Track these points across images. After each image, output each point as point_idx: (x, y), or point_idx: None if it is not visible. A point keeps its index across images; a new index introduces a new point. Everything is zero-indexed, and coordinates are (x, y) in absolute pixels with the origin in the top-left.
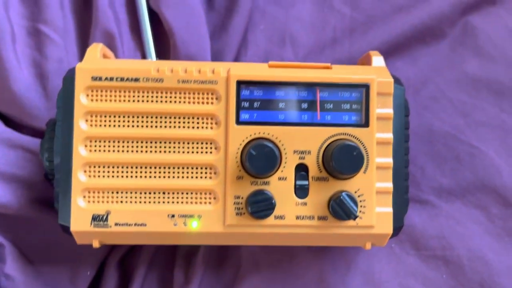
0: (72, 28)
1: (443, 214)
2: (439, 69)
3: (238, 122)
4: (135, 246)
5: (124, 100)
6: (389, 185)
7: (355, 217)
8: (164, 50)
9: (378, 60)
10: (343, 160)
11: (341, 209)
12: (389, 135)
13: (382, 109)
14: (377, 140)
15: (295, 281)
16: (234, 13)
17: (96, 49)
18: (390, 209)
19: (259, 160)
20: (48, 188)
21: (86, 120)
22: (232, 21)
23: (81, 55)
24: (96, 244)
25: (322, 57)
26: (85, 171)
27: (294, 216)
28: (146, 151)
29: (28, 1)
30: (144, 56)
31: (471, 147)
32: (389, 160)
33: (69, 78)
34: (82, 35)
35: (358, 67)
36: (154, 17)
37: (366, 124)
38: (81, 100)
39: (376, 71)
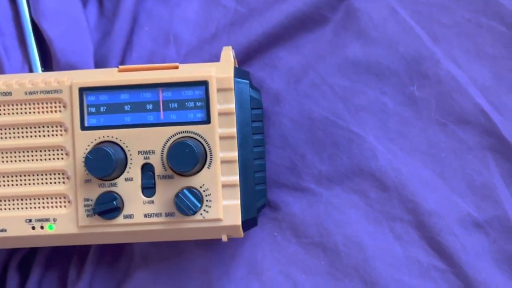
0: None
1: (322, 201)
2: (322, 55)
3: (84, 127)
4: (34, 247)
5: None
6: (235, 178)
7: (194, 212)
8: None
9: (226, 55)
10: (177, 158)
11: (182, 204)
12: (233, 130)
13: (224, 104)
14: (220, 135)
15: (181, 274)
16: (116, 18)
17: None
18: (237, 202)
19: (96, 163)
20: None
21: None
22: (114, 25)
23: None
24: None
25: (202, 54)
26: None
27: (142, 214)
28: (2, 161)
29: None
30: (30, 67)
31: (350, 133)
32: (234, 154)
33: None
34: None
35: (204, 64)
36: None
37: (208, 120)
38: None
39: (219, 67)
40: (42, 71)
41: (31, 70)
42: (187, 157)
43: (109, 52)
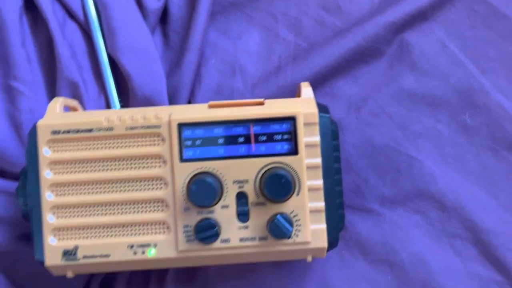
0: (40, 80)
1: (386, 220)
2: (378, 86)
3: (182, 159)
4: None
5: (81, 149)
6: (321, 204)
7: (289, 237)
8: (126, 92)
9: (306, 91)
10: (273, 188)
11: (277, 229)
12: (318, 160)
13: (310, 137)
14: (307, 165)
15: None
16: (185, 51)
17: (55, 104)
18: (323, 226)
19: (200, 193)
20: (29, 226)
21: (50, 169)
22: (185, 58)
23: None
24: (70, 274)
25: (268, 85)
26: (53, 213)
27: (238, 239)
28: (105, 192)
29: None
30: (107, 99)
31: (409, 158)
32: (319, 182)
33: (33, 134)
34: (49, 86)
35: (288, 100)
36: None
37: (295, 152)
38: (44, 152)
39: (304, 103)
40: (120, 102)
41: (107, 100)
42: (283, 187)
43: (180, 84)
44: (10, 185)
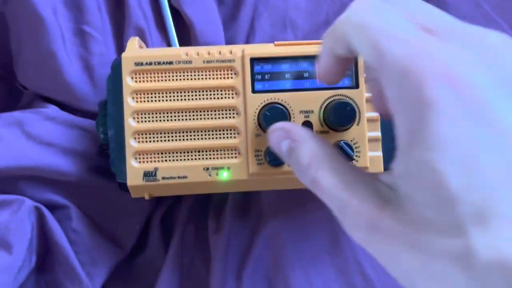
0: (108, 27)
1: None
2: None
3: (254, 91)
4: (174, 203)
5: (162, 80)
6: (378, 134)
7: (351, 160)
8: (185, 41)
9: None
10: (339, 115)
11: (341, 154)
12: None
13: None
14: (366, 98)
15: (307, 222)
16: (242, 6)
17: (134, 41)
18: (380, 153)
19: (273, 119)
20: (101, 159)
21: (133, 98)
22: (240, 12)
23: (118, 49)
24: (147, 196)
25: (317, 37)
26: (135, 138)
27: None
28: (183, 119)
29: (72, 7)
30: (169, 45)
31: None
32: (377, 114)
33: (116, 66)
34: (117, 32)
35: None
36: (174, 13)
37: (356, 86)
38: (128, 82)
39: None
40: None
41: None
42: (349, 114)
43: (236, 35)
44: (83, 121)
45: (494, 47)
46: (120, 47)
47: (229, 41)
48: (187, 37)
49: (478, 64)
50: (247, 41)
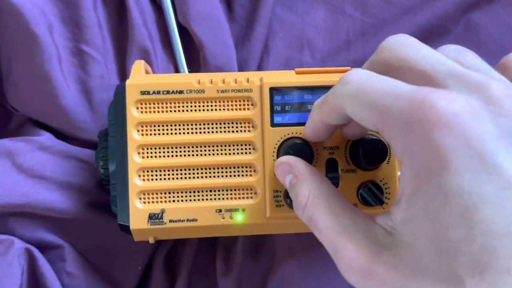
0: (110, 47)
1: None
2: None
3: (273, 124)
4: (179, 241)
5: (171, 111)
6: None
7: (382, 203)
8: (194, 61)
9: None
10: (370, 154)
11: (369, 196)
12: None
13: None
14: None
15: (326, 264)
16: (255, 23)
17: (140, 66)
18: None
19: (295, 156)
20: (100, 193)
21: (138, 130)
22: (254, 30)
23: (120, 71)
24: (151, 240)
25: (338, 59)
26: (139, 176)
27: None
28: (193, 155)
29: (69, 24)
30: (176, 67)
31: None
32: None
33: (119, 94)
34: (119, 52)
35: None
36: (182, 31)
37: None
38: (133, 112)
39: None
40: (189, 71)
41: (176, 70)
42: (380, 152)
43: (249, 56)
44: (80, 151)
45: (497, 97)
46: (123, 69)
47: (242, 62)
48: (196, 57)
49: (481, 114)
50: (261, 62)
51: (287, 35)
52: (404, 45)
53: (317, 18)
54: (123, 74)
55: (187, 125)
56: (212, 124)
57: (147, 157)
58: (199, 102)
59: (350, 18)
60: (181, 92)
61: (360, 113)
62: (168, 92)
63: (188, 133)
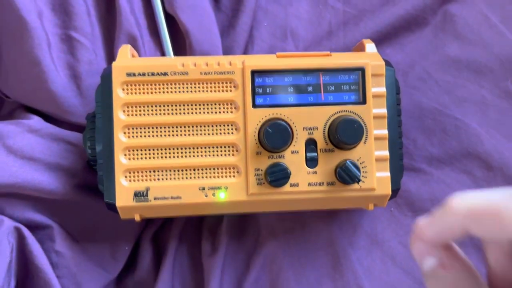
0: (98, 33)
1: (434, 179)
2: (425, 53)
3: (254, 105)
4: (165, 222)
5: (155, 92)
6: (386, 153)
7: (358, 181)
8: (180, 49)
9: (370, 46)
10: (346, 132)
11: (346, 174)
12: (384, 110)
13: (376, 88)
14: (373, 115)
15: (308, 245)
16: (240, 13)
17: (126, 50)
18: (388, 174)
19: (275, 136)
20: (88, 175)
21: (124, 111)
22: (239, 20)
23: (108, 57)
24: (137, 218)
25: (320, 48)
26: (125, 155)
27: (307, 183)
28: (177, 135)
29: (59, 11)
30: (163, 54)
31: (456, 120)
32: (385, 132)
33: (106, 76)
34: (107, 39)
35: (354, 53)
36: (169, 19)
37: (363, 101)
38: (119, 93)
39: (370, 56)
40: None
41: (162, 56)
42: (356, 131)
43: (234, 44)
44: (69, 134)
45: None
46: (111, 55)
47: (227, 50)
48: (182, 45)
49: None
50: (246, 51)
51: (271, 25)
52: None
53: (300, 9)
54: (111, 60)
55: (172, 106)
56: (195, 105)
57: (133, 137)
58: (183, 84)
59: (332, 9)
60: (165, 74)
61: (490, 233)
62: (153, 74)
63: (172, 113)
